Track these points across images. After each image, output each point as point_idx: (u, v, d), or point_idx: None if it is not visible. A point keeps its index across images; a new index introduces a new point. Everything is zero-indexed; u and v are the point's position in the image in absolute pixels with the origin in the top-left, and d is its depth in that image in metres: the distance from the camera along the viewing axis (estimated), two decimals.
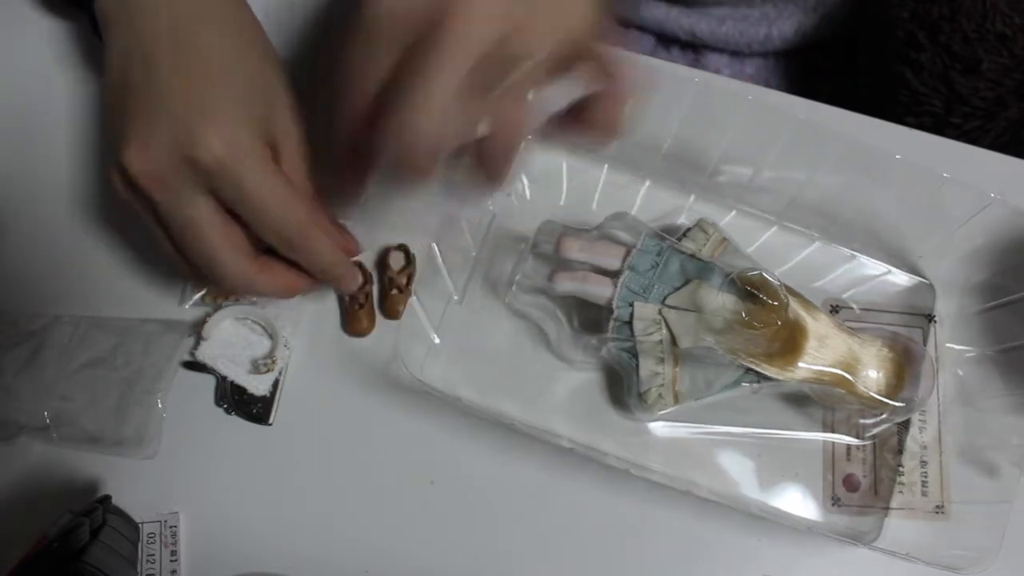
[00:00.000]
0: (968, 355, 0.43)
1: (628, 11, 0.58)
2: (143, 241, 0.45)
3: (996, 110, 0.56)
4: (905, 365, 0.40)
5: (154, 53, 0.37)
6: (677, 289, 0.39)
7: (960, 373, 0.43)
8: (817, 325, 0.39)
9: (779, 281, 0.38)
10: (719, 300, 0.38)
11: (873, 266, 0.45)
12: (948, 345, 0.43)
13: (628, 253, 0.40)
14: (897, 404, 0.39)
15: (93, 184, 0.46)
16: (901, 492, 0.42)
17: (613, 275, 0.40)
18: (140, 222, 0.45)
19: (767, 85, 0.47)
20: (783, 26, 0.59)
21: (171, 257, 0.39)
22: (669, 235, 0.41)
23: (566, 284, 0.40)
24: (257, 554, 0.41)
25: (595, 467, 0.42)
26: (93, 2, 0.40)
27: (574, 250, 0.40)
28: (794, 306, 0.39)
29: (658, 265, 0.40)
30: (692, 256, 0.40)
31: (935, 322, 0.43)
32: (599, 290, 0.39)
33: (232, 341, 0.44)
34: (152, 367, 0.43)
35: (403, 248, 0.44)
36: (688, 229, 0.42)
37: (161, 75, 0.37)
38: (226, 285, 0.38)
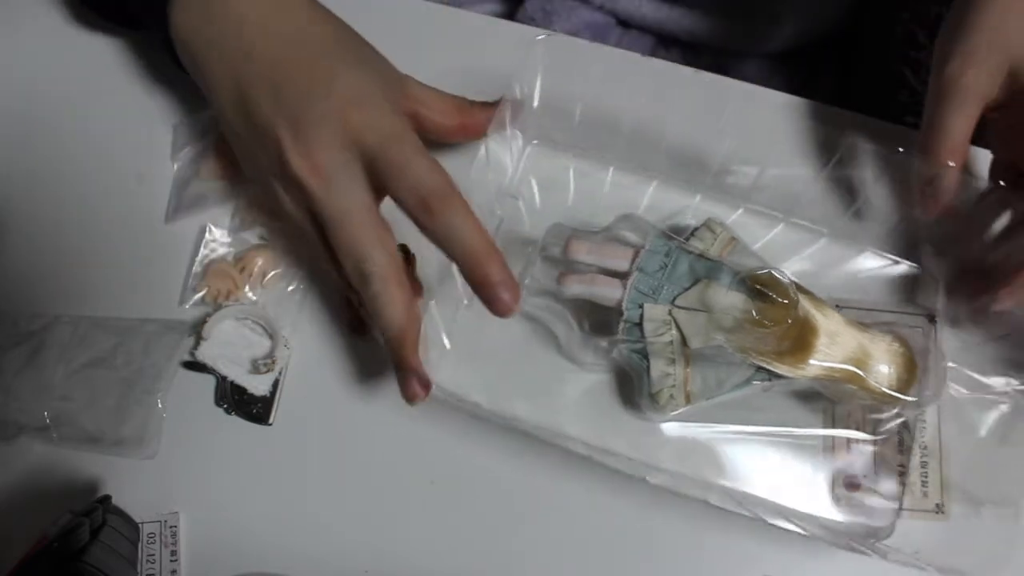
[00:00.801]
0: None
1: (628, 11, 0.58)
2: (143, 241, 0.45)
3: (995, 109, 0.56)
4: (916, 359, 0.39)
5: (267, 59, 0.38)
6: (686, 289, 0.39)
7: (965, 373, 0.43)
8: (827, 322, 0.39)
9: (789, 279, 0.38)
10: (729, 299, 0.38)
11: (874, 265, 0.45)
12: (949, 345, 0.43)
13: (636, 254, 0.40)
14: (908, 399, 0.39)
15: (93, 184, 0.46)
16: (901, 492, 0.42)
17: (622, 276, 0.40)
18: (141, 222, 0.46)
19: (767, 85, 0.47)
20: (784, 28, 0.59)
21: (325, 263, 0.40)
22: (677, 235, 0.41)
23: (575, 287, 0.40)
24: (257, 554, 0.41)
25: (596, 468, 0.42)
26: (167, 28, 0.40)
27: (582, 252, 0.40)
28: (804, 303, 0.39)
29: (667, 266, 0.40)
30: (700, 256, 0.40)
31: (936, 322, 0.43)
32: (608, 292, 0.40)
33: (232, 341, 0.44)
34: (152, 367, 0.43)
35: (403, 248, 0.44)
36: (696, 229, 0.42)
37: (289, 77, 0.38)
38: (376, 282, 0.37)
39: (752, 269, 0.39)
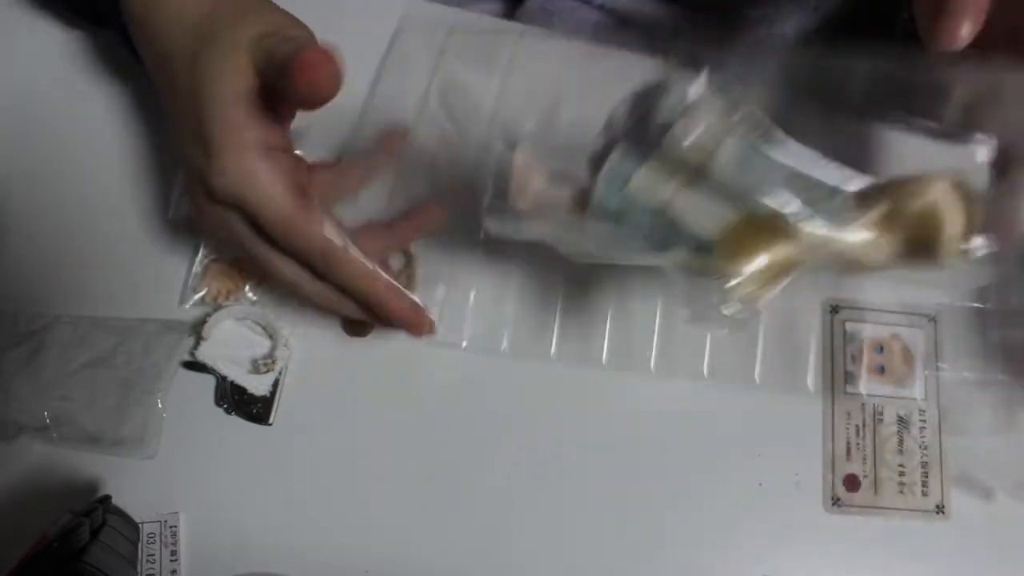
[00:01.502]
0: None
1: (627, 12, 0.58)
2: (143, 241, 0.45)
3: None
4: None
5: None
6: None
7: (966, 375, 0.43)
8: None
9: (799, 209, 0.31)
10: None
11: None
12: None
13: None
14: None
15: (93, 184, 0.46)
16: (902, 492, 0.42)
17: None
18: (141, 222, 0.46)
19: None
20: (783, 26, 0.58)
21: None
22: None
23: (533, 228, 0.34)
24: (257, 554, 0.41)
25: (596, 467, 0.42)
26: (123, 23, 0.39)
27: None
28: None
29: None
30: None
31: (936, 322, 0.43)
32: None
33: (232, 341, 0.44)
34: (152, 367, 0.43)
35: (405, 253, 0.44)
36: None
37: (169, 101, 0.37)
38: (320, 260, 0.36)
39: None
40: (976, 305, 0.44)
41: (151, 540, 0.41)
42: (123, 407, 0.42)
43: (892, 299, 0.44)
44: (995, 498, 0.41)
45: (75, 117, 0.47)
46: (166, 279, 0.44)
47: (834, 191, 0.31)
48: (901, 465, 0.42)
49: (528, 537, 0.41)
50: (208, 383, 0.43)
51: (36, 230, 0.45)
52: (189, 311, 0.44)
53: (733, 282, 0.31)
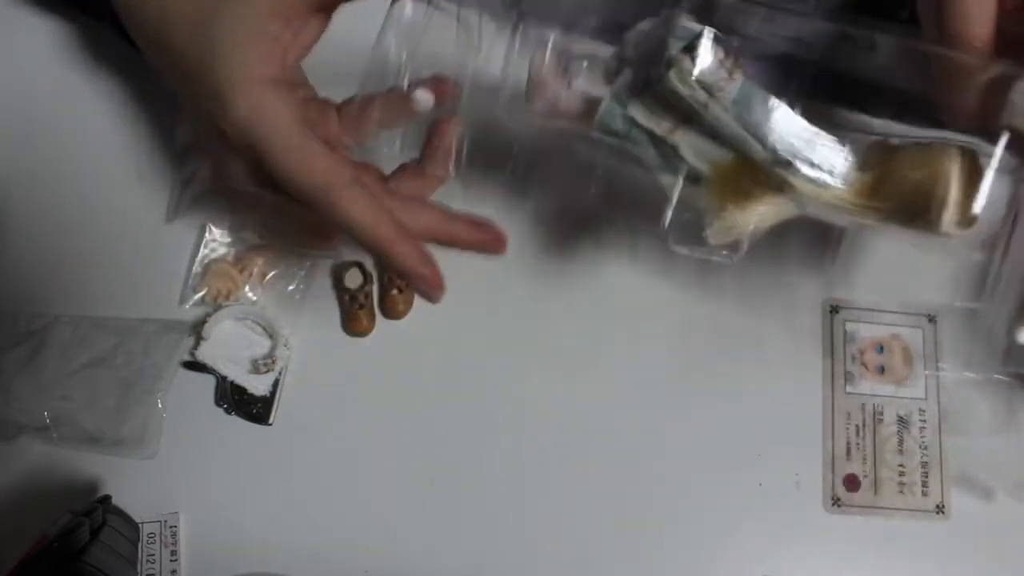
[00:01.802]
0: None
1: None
2: (143, 241, 0.45)
3: None
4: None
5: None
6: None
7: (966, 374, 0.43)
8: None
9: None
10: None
11: (874, 264, 0.45)
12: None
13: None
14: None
15: (93, 184, 0.46)
16: (902, 492, 0.42)
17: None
18: (141, 222, 0.46)
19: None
20: (783, 26, 0.59)
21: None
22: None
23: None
24: (257, 554, 0.41)
25: (596, 467, 0.42)
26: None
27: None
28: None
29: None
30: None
31: (936, 322, 0.43)
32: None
33: (232, 341, 0.44)
34: (152, 367, 0.43)
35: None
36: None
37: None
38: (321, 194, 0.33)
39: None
40: (976, 305, 0.44)
41: (151, 540, 0.41)
42: (123, 407, 0.42)
43: (892, 299, 0.44)
44: (995, 498, 0.41)
45: (75, 117, 0.47)
46: (166, 279, 0.44)
47: (832, 148, 0.32)
48: (901, 465, 0.42)
49: (528, 537, 0.41)
50: (208, 383, 0.43)
51: (36, 230, 0.45)
52: (189, 311, 0.44)
53: (723, 213, 0.32)
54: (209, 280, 0.44)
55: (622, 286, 0.44)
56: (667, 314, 0.44)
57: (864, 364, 0.43)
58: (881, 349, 0.43)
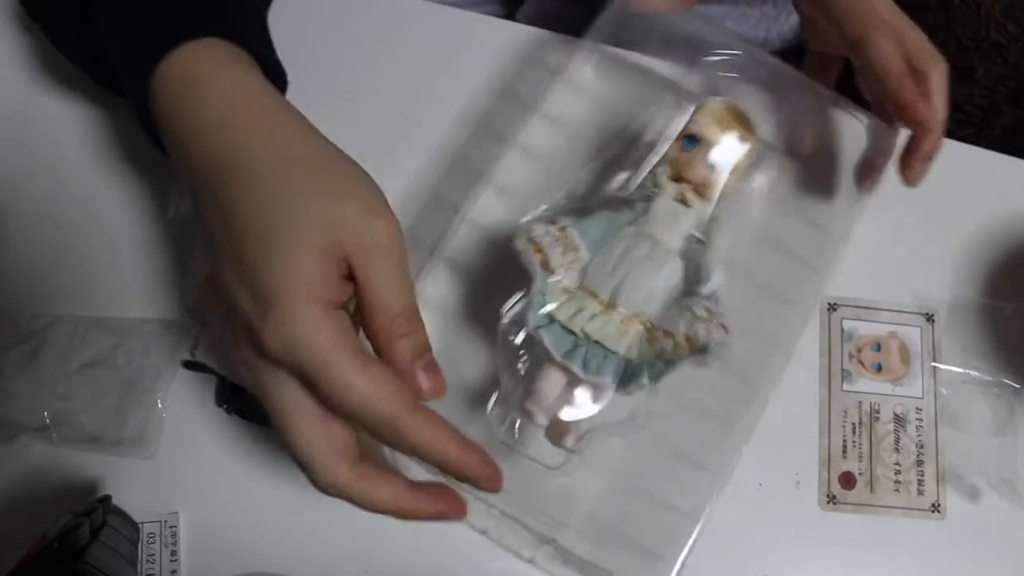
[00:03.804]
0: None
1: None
2: (143, 241, 0.45)
3: (990, 117, 0.56)
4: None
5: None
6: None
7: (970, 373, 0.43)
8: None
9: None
10: None
11: (872, 263, 0.45)
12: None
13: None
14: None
15: (93, 184, 0.46)
16: (897, 491, 0.42)
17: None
18: (141, 221, 0.46)
19: None
20: (782, 27, 0.59)
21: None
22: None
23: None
24: (257, 554, 0.41)
25: (597, 466, 0.42)
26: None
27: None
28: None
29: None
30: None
31: (934, 320, 0.44)
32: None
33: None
34: (152, 367, 0.43)
35: None
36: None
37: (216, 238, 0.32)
38: (319, 488, 0.32)
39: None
40: (975, 304, 0.44)
41: (151, 540, 0.41)
42: (123, 407, 0.42)
43: (890, 297, 0.44)
44: (990, 498, 0.42)
45: (75, 118, 0.47)
46: (166, 279, 0.44)
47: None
48: (897, 464, 0.42)
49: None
50: (208, 383, 0.43)
51: (36, 230, 0.45)
52: (189, 311, 0.44)
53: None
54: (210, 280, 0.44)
55: None
56: None
57: (861, 362, 0.43)
58: (879, 347, 0.43)
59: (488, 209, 0.43)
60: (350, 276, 0.31)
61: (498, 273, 0.42)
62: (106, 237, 0.45)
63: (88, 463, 0.42)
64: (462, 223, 0.43)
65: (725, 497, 0.42)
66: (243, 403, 0.43)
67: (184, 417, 0.43)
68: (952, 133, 0.54)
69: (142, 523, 0.41)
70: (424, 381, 0.32)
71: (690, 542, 0.38)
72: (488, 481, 0.33)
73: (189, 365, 0.43)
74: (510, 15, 0.58)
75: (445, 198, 0.45)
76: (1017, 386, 0.42)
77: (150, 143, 0.37)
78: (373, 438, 0.31)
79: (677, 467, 0.40)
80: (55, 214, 0.45)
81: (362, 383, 0.29)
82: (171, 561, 0.41)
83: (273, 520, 0.42)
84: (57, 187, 0.46)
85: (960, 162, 0.46)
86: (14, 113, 0.47)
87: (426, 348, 0.32)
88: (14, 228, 0.45)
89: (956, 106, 0.55)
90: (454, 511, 0.33)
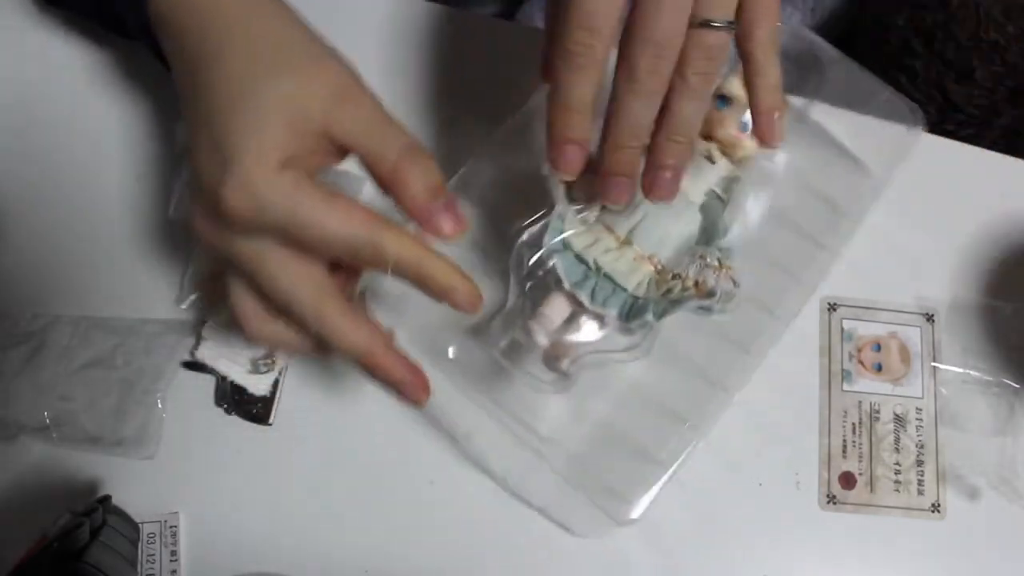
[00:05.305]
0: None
1: None
2: (143, 241, 0.45)
3: (990, 117, 0.56)
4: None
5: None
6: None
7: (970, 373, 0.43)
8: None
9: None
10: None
11: (872, 263, 0.45)
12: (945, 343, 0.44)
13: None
14: None
15: (93, 184, 0.46)
16: (897, 491, 0.42)
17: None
18: (140, 221, 0.46)
19: None
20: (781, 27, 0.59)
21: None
22: None
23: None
24: (257, 554, 0.41)
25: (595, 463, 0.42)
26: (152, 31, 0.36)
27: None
28: None
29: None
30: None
31: (934, 320, 0.44)
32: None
33: (232, 341, 0.44)
34: (152, 367, 0.43)
35: None
36: None
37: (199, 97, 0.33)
38: (310, 323, 0.33)
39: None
40: (975, 304, 0.44)
41: (151, 540, 0.41)
42: (123, 407, 0.42)
43: (890, 297, 0.44)
44: (991, 497, 0.42)
45: (75, 117, 0.47)
46: (166, 279, 0.45)
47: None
48: (897, 463, 0.42)
49: (527, 536, 0.42)
50: (208, 383, 0.43)
51: (36, 230, 0.45)
52: (189, 311, 0.44)
53: None
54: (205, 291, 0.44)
55: None
56: None
57: (861, 362, 0.43)
58: (879, 347, 0.43)
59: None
60: (341, 153, 0.33)
61: (516, 200, 0.41)
62: (106, 237, 0.45)
63: (88, 463, 0.42)
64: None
65: (725, 496, 0.42)
66: (243, 403, 0.43)
67: (184, 417, 0.43)
68: (952, 133, 0.55)
69: (142, 523, 0.41)
70: (444, 223, 0.32)
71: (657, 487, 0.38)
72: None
73: (189, 365, 0.43)
74: (510, 15, 0.58)
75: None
76: (1017, 386, 0.42)
77: (155, 60, 0.39)
78: (359, 264, 0.33)
79: (660, 420, 0.40)
80: (55, 214, 0.45)
81: (333, 214, 0.31)
82: (171, 561, 0.41)
83: (273, 520, 0.42)
84: (58, 187, 0.46)
85: (960, 162, 0.46)
86: (14, 113, 0.47)
87: (438, 185, 0.32)
88: (14, 228, 0.45)
89: (955, 106, 0.56)
90: (416, 389, 0.34)
